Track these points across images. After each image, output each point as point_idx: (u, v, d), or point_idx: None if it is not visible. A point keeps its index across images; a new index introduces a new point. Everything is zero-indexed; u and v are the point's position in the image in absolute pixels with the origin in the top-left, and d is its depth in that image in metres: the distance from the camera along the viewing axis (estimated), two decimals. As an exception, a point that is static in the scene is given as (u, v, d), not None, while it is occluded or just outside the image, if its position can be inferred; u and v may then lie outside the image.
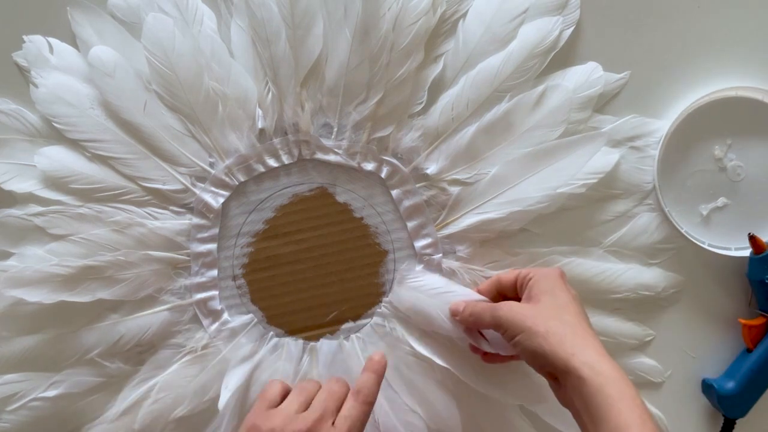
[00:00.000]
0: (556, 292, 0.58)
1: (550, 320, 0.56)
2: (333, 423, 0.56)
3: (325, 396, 0.58)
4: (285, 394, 0.59)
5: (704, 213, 0.66)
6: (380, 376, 0.60)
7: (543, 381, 0.64)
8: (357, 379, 0.59)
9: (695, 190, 0.66)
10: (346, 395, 0.58)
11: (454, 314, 0.63)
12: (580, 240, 0.67)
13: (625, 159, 0.66)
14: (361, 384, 0.59)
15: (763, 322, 0.65)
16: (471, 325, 0.62)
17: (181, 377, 0.67)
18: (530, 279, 0.60)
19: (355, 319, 0.69)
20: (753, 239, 0.64)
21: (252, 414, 0.58)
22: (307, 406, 0.58)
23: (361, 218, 0.68)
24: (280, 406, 0.58)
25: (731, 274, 0.67)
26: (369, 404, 0.58)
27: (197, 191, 0.67)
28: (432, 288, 0.66)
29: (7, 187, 0.66)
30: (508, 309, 0.58)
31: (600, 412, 0.51)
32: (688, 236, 0.65)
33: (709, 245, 0.65)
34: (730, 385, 0.65)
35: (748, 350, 0.66)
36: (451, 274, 0.67)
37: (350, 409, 0.57)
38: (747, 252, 0.65)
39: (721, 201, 0.66)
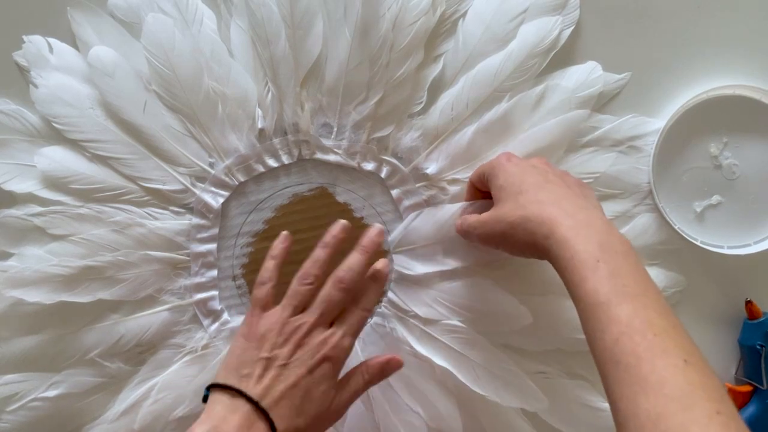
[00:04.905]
0: (507, 182, 0.57)
1: (509, 218, 0.55)
2: (329, 326, 0.58)
3: (322, 301, 0.58)
4: (275, 296, 0.60)
5: (698, 210, 0.67)
6: (381, 284, 0.61)
7: (542, 384, 0.65)
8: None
9: (690, 186, 0.67)
10: (343, 302, 0.59)
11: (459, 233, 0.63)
12: (580, 240, 0.67)
13: (625, 159, 0.66)
14: (361, 294, 0.60)
15: (748, 390, 0.66)
16: (473, 238, 0.62)
17: (182, 377, 0.67)
18: (487, 179, 0.60)
19: (355, 319, 0.69)
20: (749, 305, 0.65)
21: (246, 318, 0.59)
22: (301, 310, 0.59)
23: (361, 218, 0.68)
24: (274, 309, 0.59)
25: (729, 273, 0.67)
26: (368, 311, 0.60)
27: (197, 191, 0.67)
28: (434, 217, 0.66)
29: (7, 187, 0.66)
30: (475, 228, 0.59)
31: (572, 291, 0.50)
32: (681, 233, 0.65)
33: (701, 243, 0.65)
34: None
35: None
36: (453, 274, 0.67)
37: (348, 314, 0.59)
38: (740, 251, 0.65)
39: (715, 198, 0.66)
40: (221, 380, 0.57)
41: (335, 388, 0.58)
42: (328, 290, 0.59)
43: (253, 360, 0.57)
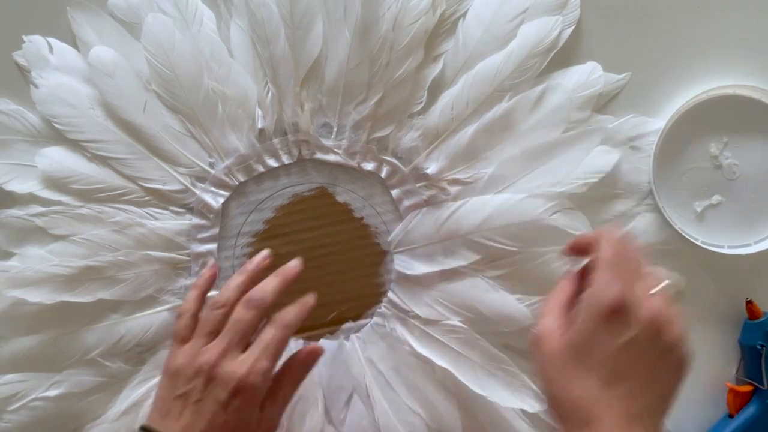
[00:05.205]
0: (591, 300, 0.48)
1: (552, 386, 0.48)
2: (244, 349, 0.55)
3: (230, 327, 0.56)
4: (193, 328, 0.57)
5: (698, 210, 0.67)
6: (303, 305, 0.58)
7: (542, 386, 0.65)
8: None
9: (690, 186, 0.67)
10: (256, 320, 0.56)
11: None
12: (580, 239, 0.67)
13: (626, 159, 0.66)
14: (280, 311, 0.57)
15: (749, 390, 0.66)
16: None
17: (182, 377, 0.67)
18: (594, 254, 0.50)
19: (355, 319, 0.69)
20: (750, 305, 0.65)
21: (168, 354, 0.58)
22: (216, 335, 0.56)
23: (361, 218, 0.68)
24: (188, 344, 0.57)
25: (729, 273, 0.67)
26: (285, 328, 0.56)
27: (197, 191, 0.67)
28: (434, 217, 0.66)
29: (8, 187, 0.67)
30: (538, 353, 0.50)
31: None
32: (681, 233, 0.65)
33: (702, 242, 0.65)
34: None
35: (730, 416, 0.66)
36: (453, 274, 0.67)
37: (263, 334, 0.56)
38: (740, 251, 0.65)
39: (715, 198, 0.66)
40: (145, 422, 0.55)
41: (261, 408, 0.56)
42: (237, 311, 0.57)
43: (171, 398, 0.55)
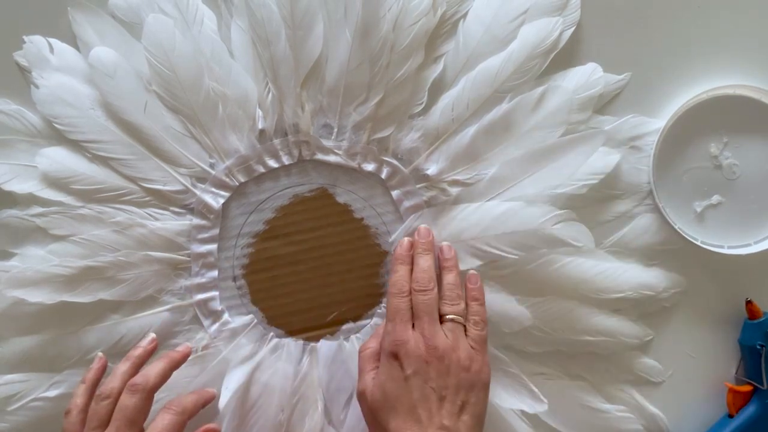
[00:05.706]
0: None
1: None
2: None
3: (116, 415, 0.57)
4: (83, 422, 0.58)
5: (698, 210, 0.67)
6: (200, 396, 0.62)
7: (542, 385, 0.65)
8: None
9: (690, 186, 0.67)
10: (142, 407, 0.57)
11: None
12: (580, 240, 0.67)
13: (625, 159, 0.66)
14: (179, 396, 0.60)
15: (749, 390, 0.66)
16: None
17: (182, 377, 0.67)
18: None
19: (355, 319, 0.69)
20: (749, 305, 0.65)
21: None
22: (105, 427, 0.57)
23: (362, 219, 0.68)
24: None
25: (729, 273, 0.67)
26: (182, 413, 0.59)
27: (198, 192, 0.67)
28: (435, 219, 0.66)
29: (8, 187, 0.67)
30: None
31: None
32: (681, 232, 0.65)
33: (701, 242, 0.65)
34: None
35: (730, 416, 0.66)
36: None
37: (158, 418, 0.58)
38: (740, 251, 0.65)
39: (715, 198, 0.66)
40: None
41: None
42: (122, 398, 0.58)
43: None
